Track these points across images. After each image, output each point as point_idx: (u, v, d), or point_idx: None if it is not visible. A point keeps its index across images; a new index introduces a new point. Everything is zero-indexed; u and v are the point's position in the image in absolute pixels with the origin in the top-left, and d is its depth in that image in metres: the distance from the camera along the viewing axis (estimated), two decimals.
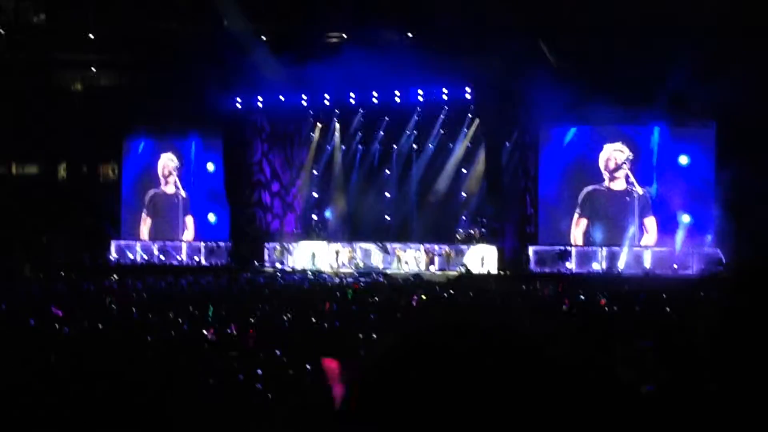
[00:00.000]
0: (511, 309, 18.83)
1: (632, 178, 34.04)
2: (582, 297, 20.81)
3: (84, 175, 43.77)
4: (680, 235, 32.50)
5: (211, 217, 40.17)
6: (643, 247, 33.40)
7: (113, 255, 41.10)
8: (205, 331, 13.85)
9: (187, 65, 36.65)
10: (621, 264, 33.08)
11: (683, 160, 33.16)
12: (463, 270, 34.06)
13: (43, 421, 8.03)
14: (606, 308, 18.03)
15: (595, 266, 33.54)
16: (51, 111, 40.59)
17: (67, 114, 40.74)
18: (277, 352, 11.57)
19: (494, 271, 34.08)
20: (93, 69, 42.93)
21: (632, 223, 33.73)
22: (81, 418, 8.15)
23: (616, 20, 31.22)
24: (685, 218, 32.66)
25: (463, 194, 37.92)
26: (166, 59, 37.99)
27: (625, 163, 34.18)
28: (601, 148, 34.55)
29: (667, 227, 33.10)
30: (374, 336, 13.28)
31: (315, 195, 40.38)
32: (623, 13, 31.27)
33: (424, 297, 21.19)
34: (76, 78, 43.48)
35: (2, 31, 41.03)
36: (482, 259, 34.65)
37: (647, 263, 32.75)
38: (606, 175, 34.46)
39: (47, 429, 8.00)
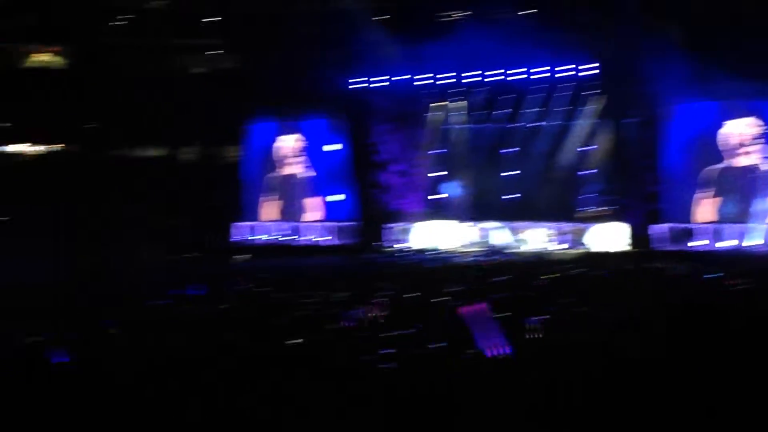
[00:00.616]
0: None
1: (761, 154, 33.32)
2: (713, 275, 20.50)
3: (207, 158, 44.33)
4: None
5: (335, 198, 40.38)
6: None
7: (237, 237, 41.58)
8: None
9: (307, 47, 36.93)
10: (748, 241, 32.46)
11: None
12: (587, 248, 33.87)
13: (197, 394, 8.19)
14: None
15: (722, 243, 32.94)
16: (172, 95, 41.18)
17: (189, 98, 41.27)
18: (407, 331, 11.58)
19: (619, 248, 33.79)
20: (214, 52, 43.44)
21: (761, 200, 33.03)
22: (225, 394, 8.28)
23: None
24: None
25: (586, 172, 37.55)
26: (286, 41, 38.29)
27: (753, 138, 33.48)
28: (727, 124, 33.91)
29: None
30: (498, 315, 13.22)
31: (436, 174, 40.29)
32: None
33: (551, 276, 21.08)
34: (197, 61, 44.06)
35: (125, 17, 41.78)
36: (607, 237, 34.35)
37: None
38: (733, 151, 33.80)
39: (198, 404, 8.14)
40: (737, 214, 33.22)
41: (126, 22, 42.25)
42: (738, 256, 29.53)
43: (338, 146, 40.35)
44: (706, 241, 33.19)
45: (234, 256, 32.39)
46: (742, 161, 33.65)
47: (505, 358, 9.84)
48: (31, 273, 23.50)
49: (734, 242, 32.63)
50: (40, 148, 44.14)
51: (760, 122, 33.40)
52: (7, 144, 44.00)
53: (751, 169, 33.46)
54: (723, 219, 33.50)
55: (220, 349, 10.46)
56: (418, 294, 16.70)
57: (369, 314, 13.97)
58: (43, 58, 43.90)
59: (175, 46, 43.51)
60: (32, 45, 43.31)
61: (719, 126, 33.95)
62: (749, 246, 32.03)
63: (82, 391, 8.53)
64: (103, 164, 41.95)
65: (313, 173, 41.44)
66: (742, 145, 33.62)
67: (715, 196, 33.88)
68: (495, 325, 10.36)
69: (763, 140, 33.33)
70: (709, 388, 7.69)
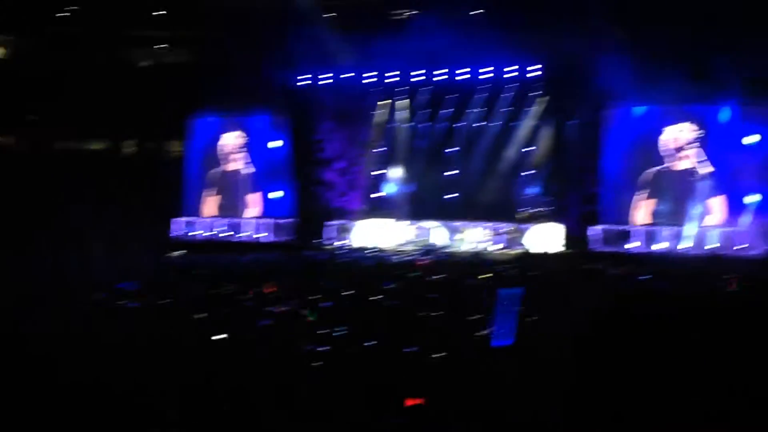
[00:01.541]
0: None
1: (698, 158, 33.73)
2: (646, 276, 20.75)
3: (149, 152, 44.10)
4: (747, 215, 32.18)
5: (276, 195, 40.33)
6: (708, 226, 33.09)
7: (178, 231, 41.43)
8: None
9: (253, 42, 36.84)
10: (685, 244, 32.82)
11: (752, 139, 32.76)
12: (525, 249, 34.09)
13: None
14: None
15: (659, 246, 33.28)
16: (117, 88, 40.91)
17: (133, 91, 41.02)
18: (339, 330, 11.65)
19: (557, 249, 34.06)
20: (160, 46, 43.21)
21: (697, 203, 33.44)
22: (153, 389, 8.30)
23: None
24: (753, 198, 32.30)
25: (527, 173, 37.81)
26: (232, 36, 38.15)
27: (691, 142, 33.88)
28: (666, 128, 34.29)
29: (734, 207, 32.81)
30: (434, 314, 13.33)
31: (378, 173, 40.37)
32: None
33: (486, 276, 21.21)
34: (142, 54, 43.79)
35: (70, 8, 41.44)
36: (545, 238, 34.58)
37: (712, 243, 32.44)
38: (671, 155, 34.20)
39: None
40: (673, 217, 33.60)
41: (69, 14, 41.86)
42: (671, 258, 29.92)
43: (279, 143, 40.26)
44: (640, 243, 33.52)
45: (171, 252, 32.23)
46: (679, 165, 34.04)
47: (441, 357, 9.95)
48: None
49: (668, 245, 32.99)
50: None
51: (698, 127, 33.79)
52: None
53: (688, 173, 33.85)
54: (659, 221, 33.86)
55: (153, 343, 10.48)
56: (353, 291, 16.78)
57: (301, 310, 14.03)
58: None
59: (119, 39, 43.20)
60: None
61: (659, 130, 34.33)
62: (683, 249, 32.40)
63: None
64: (41, 157, 41.59)
65: (253, 170, 41.35)
66: (680, 148, 34.02)
67: (652, 198, 34.26)
68: (514, 316, 10.46)
69: (698, 144, 33.73)
70: (618, 390, 7.83)
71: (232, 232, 40.40)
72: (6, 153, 42.41)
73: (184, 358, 9.66)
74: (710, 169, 33.50)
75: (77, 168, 40.51)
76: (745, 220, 32.20)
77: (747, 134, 32.78)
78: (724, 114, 33.23)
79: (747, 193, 32.47)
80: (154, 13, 40.60)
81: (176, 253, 31.27)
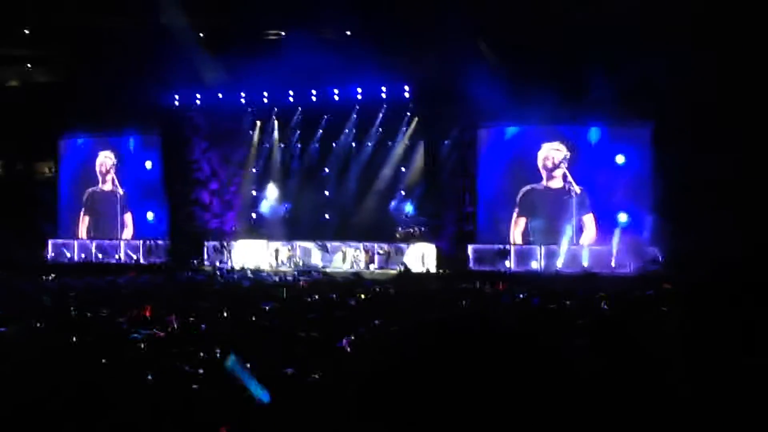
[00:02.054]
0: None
1: (570, 177, 34.29)
2: (520, 295, 20.97)
3: (20, 172, 43.32)
4: (617, 234, 32.76)
5: (150, 215, 39.93)
6: (581, 245, 33.64)
7: (50, 254, 40.76)
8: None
9: (123, 62, 36.39)
10: (559, 262, 33.30)
11: (620, 159, 33.43)
12: (402, 268, 34.18)
13: None
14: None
15: (534, 264, 33.70)
16: None
17: (1, 110, 40.25)
18: (217, 351, 11.53)
19: (434, 269, 34.22)
20: (28, 65, 42.44)
21: (570, 222, 33.99)
22: (20, 416, 8.08)
23: (553, 19, 31.46)
24: (623, 217, 32.95)
25: (402, 193, 38.01)
26: (102, 55, 37.61)
27: (562, 161, 34.43)
28: (539, 147, 34.76)
29: (605, 225, 33.40)
30: (313, 334, 13.29)
31: (254, 193, 40.22)
32: (561, 12, 31.54)
33: (363, 296, 21.24)
34: (10, 73, 42.96)
35: None
36: (422, 257, 34.73)
37: (585, 261, 32.98)
38: (544, 174, 34.69)
39: None
40: (547, 235, 34.05)
41: None
42: (546, 277, 30.28)
43: (150, 164, 39.88)
44: (511, 264, 33.91)
45: (43, 275, 31.62)
46: (554, 184, 34.55)
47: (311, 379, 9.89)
48: None
49: (545, 263, 33.42)
50: None
51: (569, 146, 34.35)
52: None
53: (561, 192, 34.36)
54: (534, 240, 34.28)
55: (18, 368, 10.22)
56: (229, 313, 16.65)
57: (170, 331, 13.88)
58: None
59: None
60: None
61: (532, 149, 34.78)
62: (558, 267, 32.86)
63: None
64: None
65: (125, 191, 40.85)
66: (553, 167, 34.51)
67: (526, 216, 34.68)
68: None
69: (570, 164, 34.28)
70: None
71: (107, 254, 39.85)
72: None
73: (57, 382, 9.45)
74: (581, 188, 34.09)
75: None
76: (616, 238, 32.80)
77: (616, 153, 33.45)
78: (595, 134, 33.89)
79: (617, 212, 33.11)
80: (23, 32, 39.82)
81: (49, 276, 30.66)
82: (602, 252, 33.01)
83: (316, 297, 20.99)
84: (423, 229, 36.06)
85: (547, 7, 31.78)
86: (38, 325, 14.63)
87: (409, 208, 37.38)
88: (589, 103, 31.60)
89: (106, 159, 41.30)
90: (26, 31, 39.62)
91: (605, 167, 33.59)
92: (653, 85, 29.87)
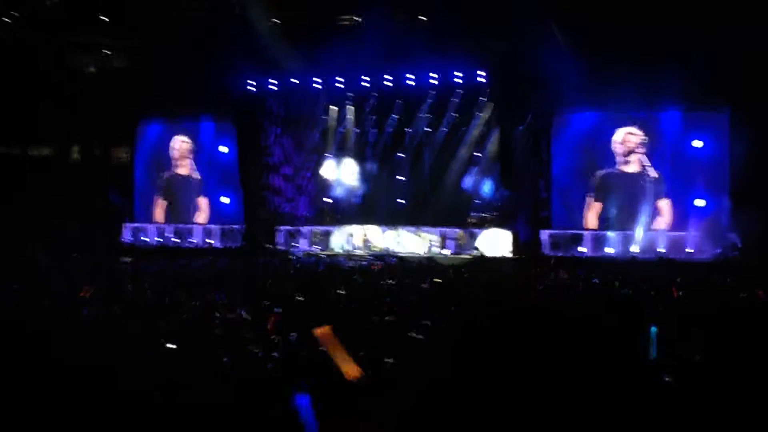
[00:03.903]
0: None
1: (646, 162, 33.99)
2: (596, 281, 20.82)
3: (97, 157, 43.76)
4: (695, 220, 32.43)
5: (225, 200, 40.17)
6: (658, 230, 33.33)
7: (127, 238, 41.20)
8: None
9: (199, 48, 36.65)
10: (635, 248, 33.02)
11: (698, 144, 33.02)
12: (476, 253, 34.09)
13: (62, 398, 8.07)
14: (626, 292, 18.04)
15: (609, 250, 33.45)
16: (64, 93, 40.64)
17: (79, 96, 40.77)
18: (293, 335, 11.57)
19: (508, 254, 34.10)
20: (106, 51, 42.87)
21: (646, 207, 33.69)
22: (95, 397, 8.18)
23: (629, 6, 31.15)
24: (700, 202, 32.56)
25: (477, 178, 37.88)
26: (178, 42, 37.92)
27: (639, 146, 34.13)
28: (614, 132, 34.50)
29: (681, 211, 33.08)
30: (387, 319, 13.30)
31: (328, 178, 40.29)
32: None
33: (437, 280, 21.20)
34: (89, 60, 43.41)
35: (17, 13, 40.96)
36: (496, 242, 34.61)
37: (661, 247, 32.66)
38: (620, 159, 34.42)
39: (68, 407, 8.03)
40: (622, 221, 33.80)
41: (17, 19, 41.37)
42: (622, 262, 30.01)
43: (226, 149, 40.13)
44: (586, 249, 33.69)
45: (122, 258, 31.97)
46: (628, 168, 34.26)
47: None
48: None
49: (620, 249, 33.17)
50: None
51: (646, 131, 34.05)
52: None
53: (636, 177, 34.08)
54: (610, 225, 34.04)
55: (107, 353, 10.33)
56: (305, 297, 16.70)
57: (253, 318, 13.93)
58: None
59: (67, 44, 42.78)
60: None
61: (608, 134, 34.52)
62: (634, 252, 32.59)
63: None
64: None
65: (200, 176, 41.19)
66: (628, 152, 34.23)
67: (601, 202, 34.45)
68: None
69: (646, 149, 33.98)
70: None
71: (180, 239, 40.21)
72: None
73: (139, 366, 9.54)
74: (658, 173, 33.79)
75: (26, 174, 40.20)
76: (693, 224, 32.46)
77: (693, 139, 33.07)
78: (671, 119, 33.53)
79: (694, 198, 32.75)
80: (100, 19, 40.21)
81: (126, 259, 31.00)
82: (679, 238, 32.67)
83: (390, 281, 20.99)
84: (497, 214, 35.93)
85: None
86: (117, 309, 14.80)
87: (487, 187, 37.21)
88: (666, 88, 31.21)
89: (181, 143, 41.63)
90: (104, 19, 40.02)
91: (683, 152, 33.24)
92: (730, 69, 29.54)
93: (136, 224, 41.72)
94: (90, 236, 37.35)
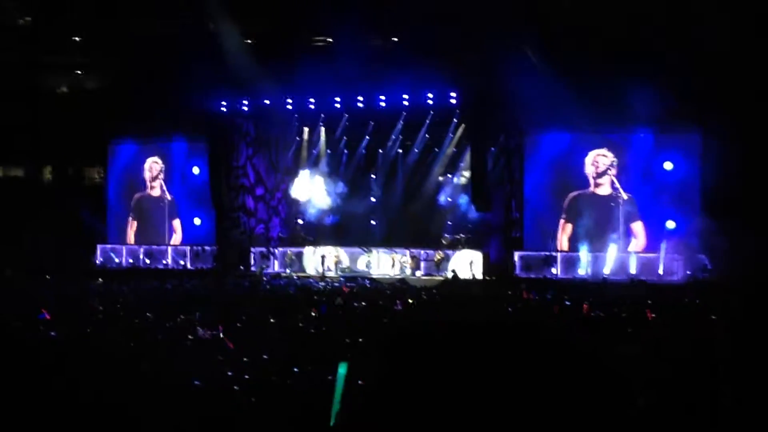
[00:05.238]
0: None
1: (617, 184, 34.12)
2: (567, 302, 20.84)
3: (69, 178, 43.64)
4: (665, 241, 32.52)
5: (197, 221, 40.08)
6: (629, 252, 33.42)
7: (99, 259, 41.02)
8: (200, 329, 13.87)
9: (171, 68, 36.55)
10: (606, 269, 33.10)
11: (668, 166, 33.19)
12: (449, 275, 34.05)
13: (30, 425, 7.99)
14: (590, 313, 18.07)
15: (581, 271, 33.51)
16: (35, 113, 40.53)
17: (51, 117, 40.63)
18: (264, 357, 11.55)
19: (480, 276, 34.08)
20: (78, 72, 42.79)
21: (618, 229, 33.80)
22: (67, 422, 8.11)
23: (601, 26, 31.34)
24: (671, 224, 32.70)
25: (449, 199, 37.91)
26: (150, 62, 37.87)
27: (610, 168, 34.27)
28: (586, 154, 34.61)
29: (653, 233, 33.18)
30: (360, 340, 13.29)
31: (300, 200, 40.18)
32: (609, 20, 31.41)
33: (410, 301, 21.20)
34: (60, 81, 43.31)
35: None
36: (468, 264, 34.57)
37: (633, 269, 32.75)
38: (591, 181, 34.53)
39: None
40: (595, 242, 33.83)
41: None
42: (594, 284, 30.05)
43: (198, 170, 40.06)
44: (558, 271, 33.77)
45: (91, 279, 31.78)
46: (601, 191, 34.38)
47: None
48: None
49: (591, 270, 33.24)
50: None
51: (616, 153, 34.19)
52: None
53: (608, 198, 34.19)
54: (581, 248, 34.07)
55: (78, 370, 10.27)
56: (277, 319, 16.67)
57: (218, 336, 13.90)
58: None
59: (39, 64, 42.68)
60: None
61: (580, 156, 34.63)
62: (606, 274, 32.64)
63: None
64: None
65: (173, 196, 41.08)
66: (602, 174, 34.34)
67: (575, 224, 34.49)
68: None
69: (620, 170, 34.12)
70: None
71: (151, 260, 40.07)
72: None
73: (109, 386, 9.49)
74: (628, 195, 33.91)
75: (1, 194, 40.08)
76: (664, 245, 32.57)
77: (664, 161, 33.22)
78: (643, 141, 33.67)
79: (665, 219, 32.88)
80: (71, 40, 40.17)
81: (96, 281, 30.83)
82: (650, 260, 32.78)
83: (363, 303, 20.97)
84: (470, 236, 35.94)
85: (592, 16, 31.64)
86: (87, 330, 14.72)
87: (459, 207, 37.25)
88: (637, 111, 31.34)
89: (153, 164, 41.54)
90: (76, 39, 40.00)
91: (653, 174, 33.40)
92: (701, 92, 29.74)
93: (108, 245, 41.51)
94: (62, 257, 37.18)
